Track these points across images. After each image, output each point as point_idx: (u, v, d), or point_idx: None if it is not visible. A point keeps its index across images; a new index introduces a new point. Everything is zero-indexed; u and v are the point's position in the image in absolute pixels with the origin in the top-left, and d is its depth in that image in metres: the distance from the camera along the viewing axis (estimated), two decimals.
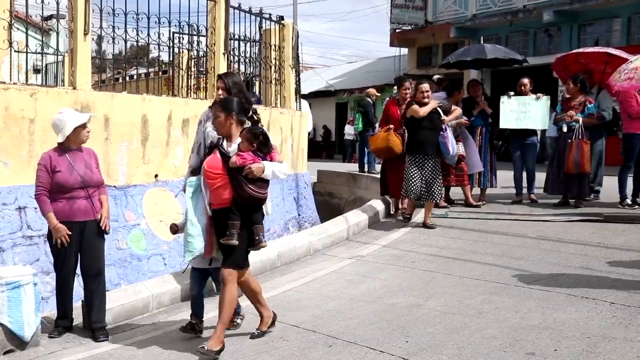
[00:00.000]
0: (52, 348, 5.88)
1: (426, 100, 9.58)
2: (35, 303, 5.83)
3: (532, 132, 11.47)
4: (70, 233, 5.92)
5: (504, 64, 13.49)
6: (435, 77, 13.34)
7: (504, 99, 11.41)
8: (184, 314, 6.69)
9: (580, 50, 13.24)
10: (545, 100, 11.37)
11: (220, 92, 6.25)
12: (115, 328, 6.43)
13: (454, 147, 9.94)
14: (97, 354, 5.60)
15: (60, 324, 6.20)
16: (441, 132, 9.71)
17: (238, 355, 5.29)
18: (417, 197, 9.75)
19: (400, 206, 10.89)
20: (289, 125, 12.44)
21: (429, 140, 9.59)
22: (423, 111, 9.58)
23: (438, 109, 9.72)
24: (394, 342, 5.29)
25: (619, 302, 5.96)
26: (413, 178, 9.59)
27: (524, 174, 11.54)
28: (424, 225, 9.81)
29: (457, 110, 10.37)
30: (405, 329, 5.60)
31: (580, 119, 10.49)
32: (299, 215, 12.73)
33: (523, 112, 11.29)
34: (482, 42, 16.01)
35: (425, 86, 9.68)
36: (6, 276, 5.71)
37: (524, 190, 11.54)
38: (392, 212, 11.23)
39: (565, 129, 10.66)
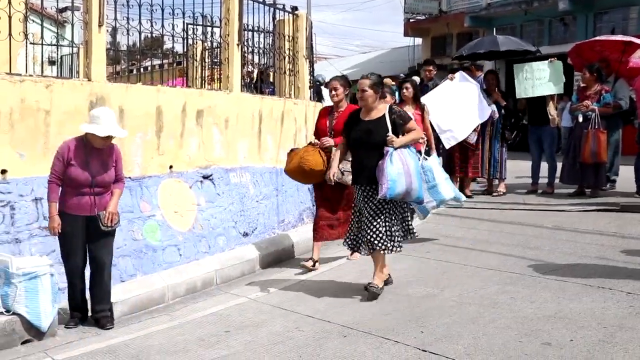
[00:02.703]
0: (69, 338, 5.93)
1: (363, 102, 6.53)
2: (52, 294, 5.88)
3: (549, 121, 11.39)
4: (72, 227, 6.03)
5: (517, 55, 13.40)
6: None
7: (517, 67, 11.36)
8: (200, 304, 6.73)
9: (597, 38, 13.14)
10: (558, 64, 11.29)
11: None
12: (132, 318, 6.48)
13: (400, 183, 6.17)
14: (114, 344, 5.64)
15: (75, 315, 6.26)
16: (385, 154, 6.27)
17: (253, 345, 5.31)
18: (351, 247, 6.80)
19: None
20: (303, 115, 12.42)
21: (364, 164, 6.45)
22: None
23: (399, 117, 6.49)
24: (409, 333, 5.29)
25: (635, 292, 5.93)
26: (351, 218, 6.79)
27: (542, 164, 11.50)
28: (366, 288, 6.46)
29: (414, 134, 6.48)
30: (420, 320, 5.60)
31: (597, 109, 10.43)
32: (314, 205, 12.72)
33: (538, 78, 11.23)
34: (495, 32, 15.91)
35: (363, 82, 6.48)
36: (23, 267, 5.75)
37: (544, 181, 11.47)
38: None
39: (581, 119, 10.60)
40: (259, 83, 12.94)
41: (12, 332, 5.65)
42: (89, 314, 6.33)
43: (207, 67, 13.09)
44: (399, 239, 6.39)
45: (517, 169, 12.70)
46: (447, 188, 8.20)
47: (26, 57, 8.05)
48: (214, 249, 8.91)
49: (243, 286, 7.32)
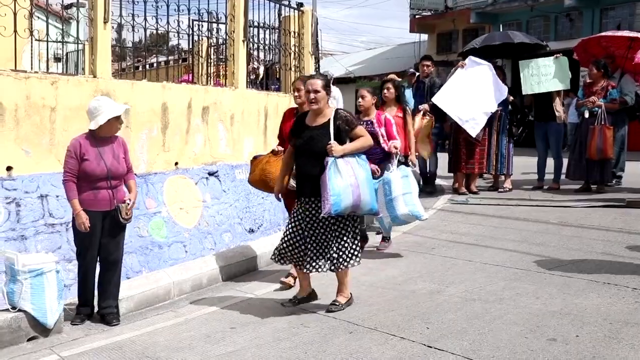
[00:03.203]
0: (74, 335, 5.93)
1: (314, 105, 5.89)
2: (58, 290, 5.89)
3: (555, 118, 11.34)
4: (90, 223, 5.98)
5: (528, 50, 13.28)
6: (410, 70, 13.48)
7: (522, 63, 11.32)
8: (205, 300, 6.73)
9: (603, 34, 13.10)
10: (564, 60, 11.26)
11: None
12: (138, 315, 6.48)
13: (346, 197, 5.61)
14: (119, 341, 5.64)
15: (82, 312, 6.27)
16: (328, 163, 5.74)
17: (259, 342, 5.31)
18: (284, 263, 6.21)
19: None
20: None
21: (308, 175, 5.88)
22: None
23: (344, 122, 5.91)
24: (415, 329, 5.28)
25: None
26: (287, 233, 6.05)
27: (548, 160, 11.48)
28: (328, 309, 6.01)
29: (361, 141, 5.85)
30: (425, 316, 5.59)
31: (603, 105, 10.40)
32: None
33: (544, 74, 11.20)
34: (501, 28, 15.84)
35: (315, 82, 5.86)
36: (29, 264, 5.76)
37: (550, 178, 11.45)
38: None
39: (587, 115, 10.57)
40: (265, 79, 12.94)
41: (18, 329, 5.65)
42: (95, 310, 6.33)
43: (212, 64, 13.11)
44: (359, 248, 5.99)
45: (524, 164, 12.67)
46: (402, 204, 7.47)
47: (31, 53, 8.08)
48: (219, 246, 8.94)
49: (248, 283, 7.32)
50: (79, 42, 9.94)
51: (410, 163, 8.30)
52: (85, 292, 6.27)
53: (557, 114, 11.25)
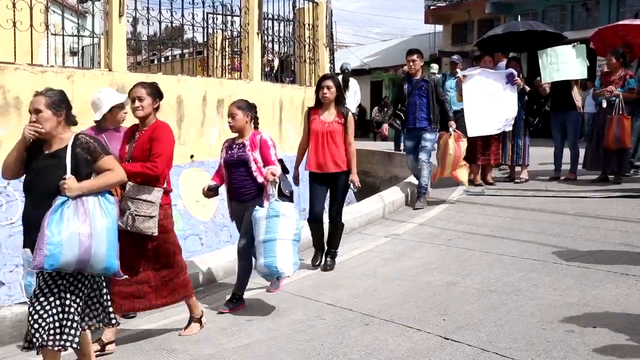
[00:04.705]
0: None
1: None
2: None
3: (574, 107, 11.26)
4: None
5: (547, 42, 13.15)
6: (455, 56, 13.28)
7: (541, 53, 11.26)
8: (221, 293, 6.74)
9: (620, 22, 12.99)
10: (581, 48, 11.17)
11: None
12: None
13: (68, 249, 4.15)
14: (137, 333, 5.67)
15: None
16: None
17: (275, 334, 5.32)
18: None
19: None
20: None
21: (34, 220, 4.37)
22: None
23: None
24: (431, 320, 5.27)
25: None
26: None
27: (565, 150, 11.41)
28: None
29: (107, 177, 4.44)
30: (442, 307, 5.58)
31: (620, 94, 10.32)
32: None
33: (563, 62, 11.11)
34: (519, 19, 15.69)
35: (40, 100, 4.50)
36: None
37: (567, 168, 11.39)
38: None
39: (604, 105, 10.50)
40: (280, 72, 12.94)
41: None
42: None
43: (227, 57, 13.13)
44: (78, 332, 4.31)
45: (540, 154, 12.60)
46: (260, 253, 5.87)
47: (47, 48, 8.11)
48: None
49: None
50: (95, 35, 10.00)
51: (351, 184, 7.18)
52: None
53: (577, 103, 11.17)
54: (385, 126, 11.08)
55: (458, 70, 12.25)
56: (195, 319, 5.63)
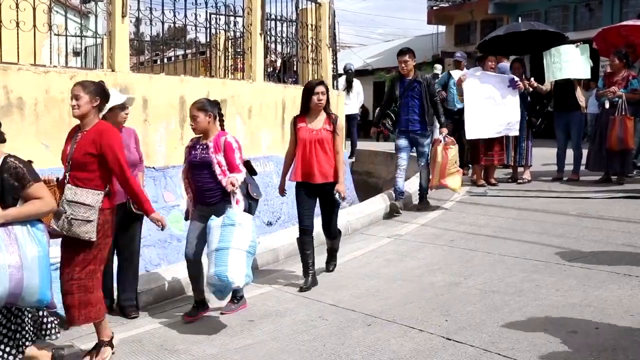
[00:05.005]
0: (94, 327, 5.95)
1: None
2: None
3: (577, 107, 11.25)
4: None
5: (549, 43, 13.12)
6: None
7: (545, 53, 11.25)
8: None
9: (623, 23, 12.98)
10: (585, 48, 11.17)
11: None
12: (156, 308, 6.50)
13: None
14: (139, 334, 5.67)
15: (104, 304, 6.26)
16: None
17: (277, 335, 5.32)
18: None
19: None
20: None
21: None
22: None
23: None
24: (434, 321, 5.27)
25: None
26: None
27: (567, 151, 11.40)
28: None
29: (36, 205, 4.17)
30: (444, 308, 5.58)
31: (623, 95, 10.31)
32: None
33: (565, 61, 11.10)
34: (520, 20, 15.69)
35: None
36: (51, 257, 5.76)
37: (570, 169, 11.38)
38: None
39: (607, 105, 10.49)
40: (282, 72, 12.94)
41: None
42: (114, 302, 6.36)
43: (230, 57, 13.12)
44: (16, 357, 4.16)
45: (543, 155, 12.59)
46: (212, 263, 5.57)
47: (51, 48, 8.11)
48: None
49: (267, 276, 7.33)
50: (98, 36, 9.98)
51: (337, 195, 6.66)
52: (106, 284, 6.29)
53: (580, 103, 11.16)
54: (374, 129, 10.75)
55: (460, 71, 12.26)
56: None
